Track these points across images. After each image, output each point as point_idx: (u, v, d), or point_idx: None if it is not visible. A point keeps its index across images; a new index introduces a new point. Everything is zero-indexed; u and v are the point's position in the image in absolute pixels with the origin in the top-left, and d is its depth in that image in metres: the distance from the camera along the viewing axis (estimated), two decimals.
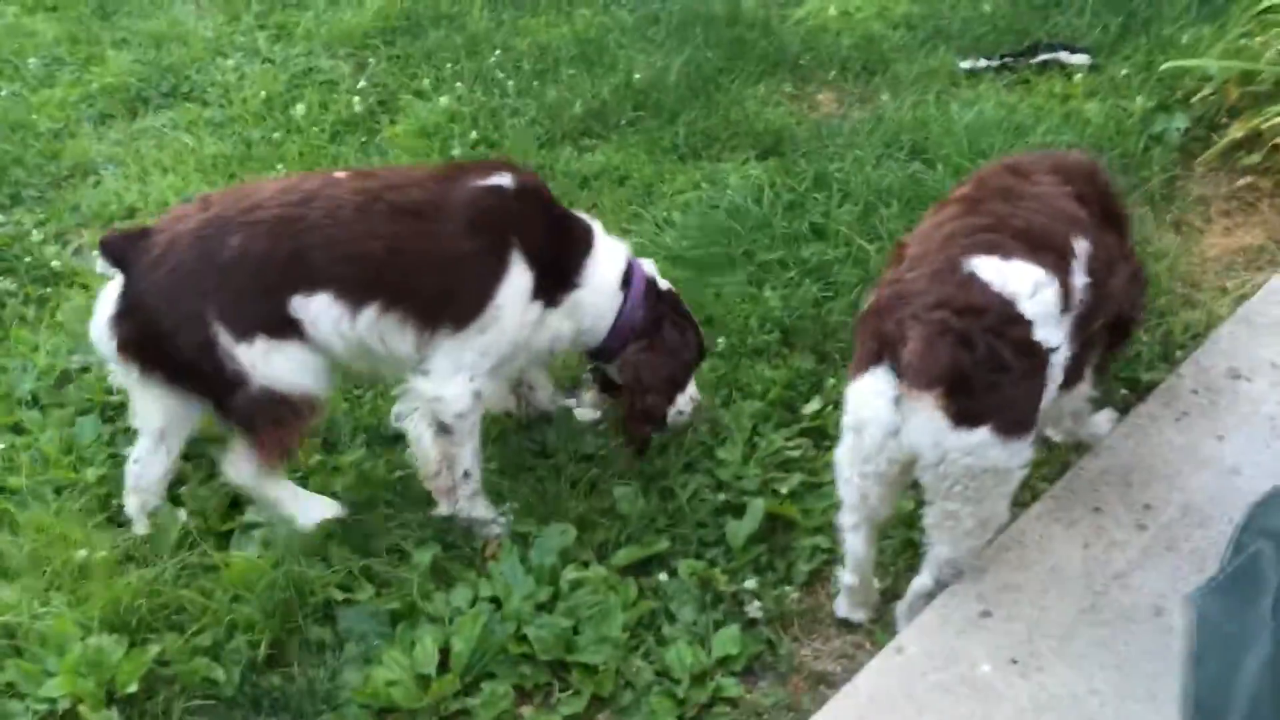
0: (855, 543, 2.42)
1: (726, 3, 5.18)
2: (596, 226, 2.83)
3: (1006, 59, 4.54)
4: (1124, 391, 3.00)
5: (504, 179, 2.68)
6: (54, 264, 3.90)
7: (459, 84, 4.72)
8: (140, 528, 2.86)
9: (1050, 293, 2.15)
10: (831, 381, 3.14)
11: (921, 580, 2.38)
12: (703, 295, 3.38)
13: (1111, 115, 4.06)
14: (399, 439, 3.06)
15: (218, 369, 2.56)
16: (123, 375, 2.68)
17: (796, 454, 2.97)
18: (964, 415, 2.08)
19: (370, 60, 5.04)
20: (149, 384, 2.66)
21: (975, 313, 2.08)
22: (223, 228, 2.55)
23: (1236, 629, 1.06)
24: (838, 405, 3.05)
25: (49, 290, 3.82)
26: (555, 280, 2.71)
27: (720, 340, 3.28)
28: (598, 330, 2.82)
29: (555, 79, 4.74)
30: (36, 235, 4.08)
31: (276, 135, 4.49)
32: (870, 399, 2.19)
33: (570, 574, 2.65)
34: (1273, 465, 2.52)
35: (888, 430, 2.17)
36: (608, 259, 2.80)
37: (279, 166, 4.25)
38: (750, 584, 2.64)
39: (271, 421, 2.62)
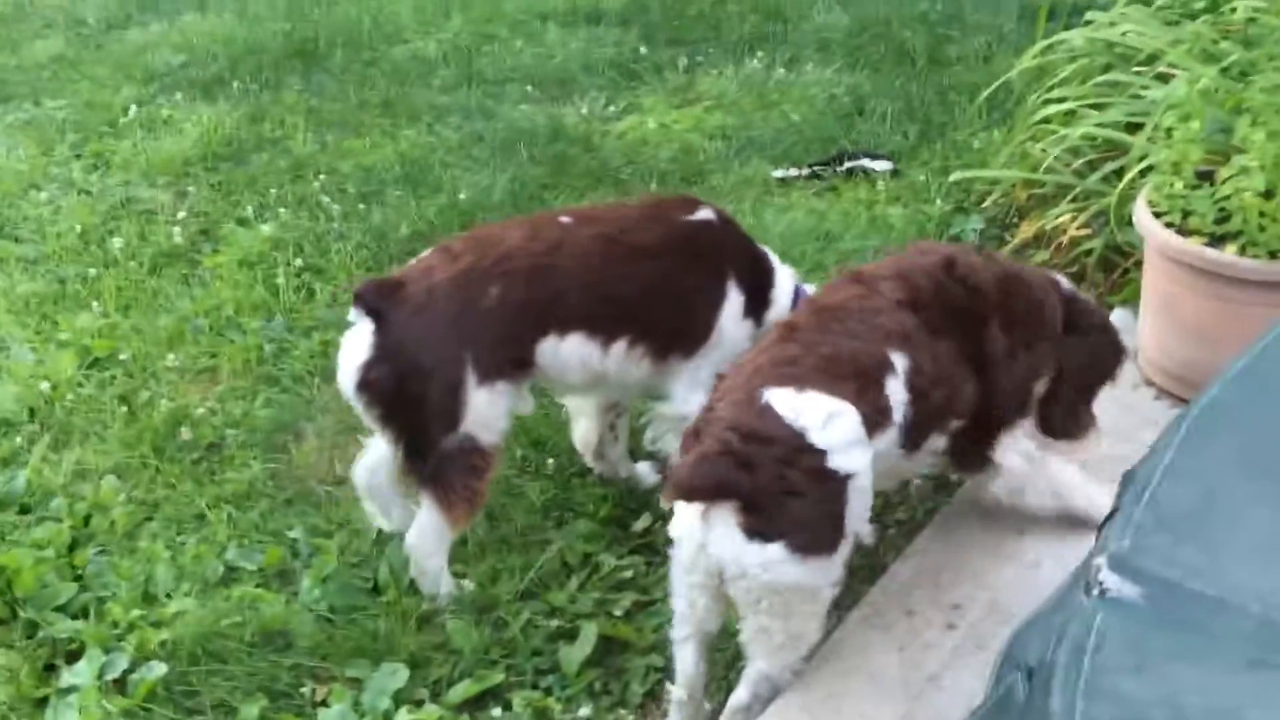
0: (685, 656, 2.47)
1: (549, 119, 5.32)
2: (769, 251, 3.10)
3: (815, 167, 4.76)
4: (934, 489, 3.14)
5: (708, 214, 2.98)
6: None
7: (283, 210, 4.71)
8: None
9: (846, 422, 2.26)
10: (660, 496, 3.20)
11: (738, 695, 2.44)
12: (530, 417, 3.41)
13: (913, 219, 4.30)
14: (224, 582, 3.02)
15: (453, 413, 2.73)
16: (363, 414, 2.83)
17: (629, 574, 3.01)
18: (755, 531, 2.18)
19: (191, 189, 4.99)
20: (380, 426, 2.81)
21: (764, 441, 2.18)
22: (480, 277, 2.74)
23: None
24: (666, 520, 3.15)
25: None
26: (758, 301, 2.99)
27: (549, 461, 3.31)
28: None
29: (381, 201, 4.77)
30: None
31: (93, 270, 4.39)
32: (683, 512, 2.30)
33: (404, 716, 2.61)
34: (1070, 556, 2.65)
35: (698, 542, 2.27)
36: (785, 279, 3.07)
37: (94, 305, 4.15)
38: (585, 711, 2.65)
39: (469, 473, 2.78)
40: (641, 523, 3.15)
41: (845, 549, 2.31)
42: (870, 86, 5.39)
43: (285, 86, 5.92)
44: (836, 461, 2.21)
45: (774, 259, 3.10)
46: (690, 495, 2.24)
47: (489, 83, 5.84)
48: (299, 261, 4.34)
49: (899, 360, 2.44)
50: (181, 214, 4.75)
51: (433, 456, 2.78)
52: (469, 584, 2.96)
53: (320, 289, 4.20)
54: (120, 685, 2.76)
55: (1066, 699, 1.05)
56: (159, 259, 4.47)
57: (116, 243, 4.54)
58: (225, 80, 5.98)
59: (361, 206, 4.73)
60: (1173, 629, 1.12)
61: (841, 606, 2.58)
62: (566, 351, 2.83)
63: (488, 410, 2.78)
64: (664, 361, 2.93)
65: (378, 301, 2.75)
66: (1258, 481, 1.28)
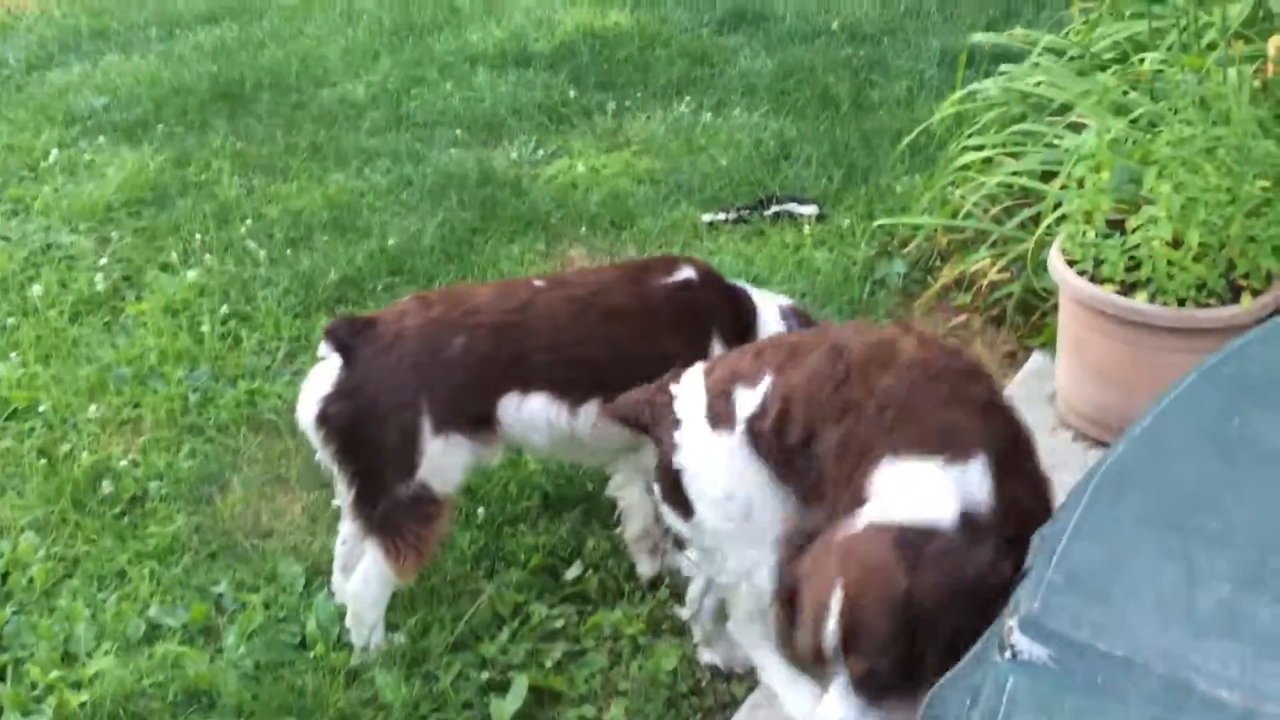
0: None
1: (478, 164, 5.33)
2: (749, 288, 3.15)
3: (743, 211, 4.82)
4: None
5: (688, 273, 3.00)
6: None
7: (208, 255, 4.66)
8: (342, 597, 2.97)
9: None
10: (591, 544, 3.21)
11: None
12: None
13: (838, 263, 4.37)
14: (147, 640, 2.97)
15: (407, 460, 2.74)
16: (319, 449, 2.83)
17: (560, 623, 3.01)
18: None
19: (114, 234, 4.91)
20: (334, 462, 2.78)
21: None
22: (447, 327, 2.78)
23: None
24: (598, 568, 3.16)
25: None
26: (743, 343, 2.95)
27: (480, 510, 3.31)
28: None
29: (309, 247, 4.74)
30: None
31: (11, 320, 4.30)
32: None
33: None
34: None
35: None
36: (768, 312, 3.08)
37: (12, 355, 4.07)
38: None
39: (419, 521, 2.78)
40: (573, 571, 3.15)
41: None
42: (796, 131, 5.48)
43: (211, 130, 5.87)
44: None
45: (754, 294, 3.13)
46: None
47: (418, 126, 5.84)
48: (225, 308, 4.29)
49: None
50: (103, 260, 4.68)
51: (384, 501, 2.77)
52: (399, 637, 2.93)
53: (247, 336, 4.16)
54: None
55: None
56: (80, 306, 4.40)
57: (36, 290, 4.46)
58: (149, 123, 5.92)
59: (289, 252, 4.69)
60: (1081, 691, 1.15)
61: None
62: (530, 411, 2.84)
63: (442, 460, 2.78)
64: None
65: (347, 338, 2.77)
66: (1161, 537, 1.33)
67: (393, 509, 2.77)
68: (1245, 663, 1.17)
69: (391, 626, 2.95)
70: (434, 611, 3.02)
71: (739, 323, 3.03)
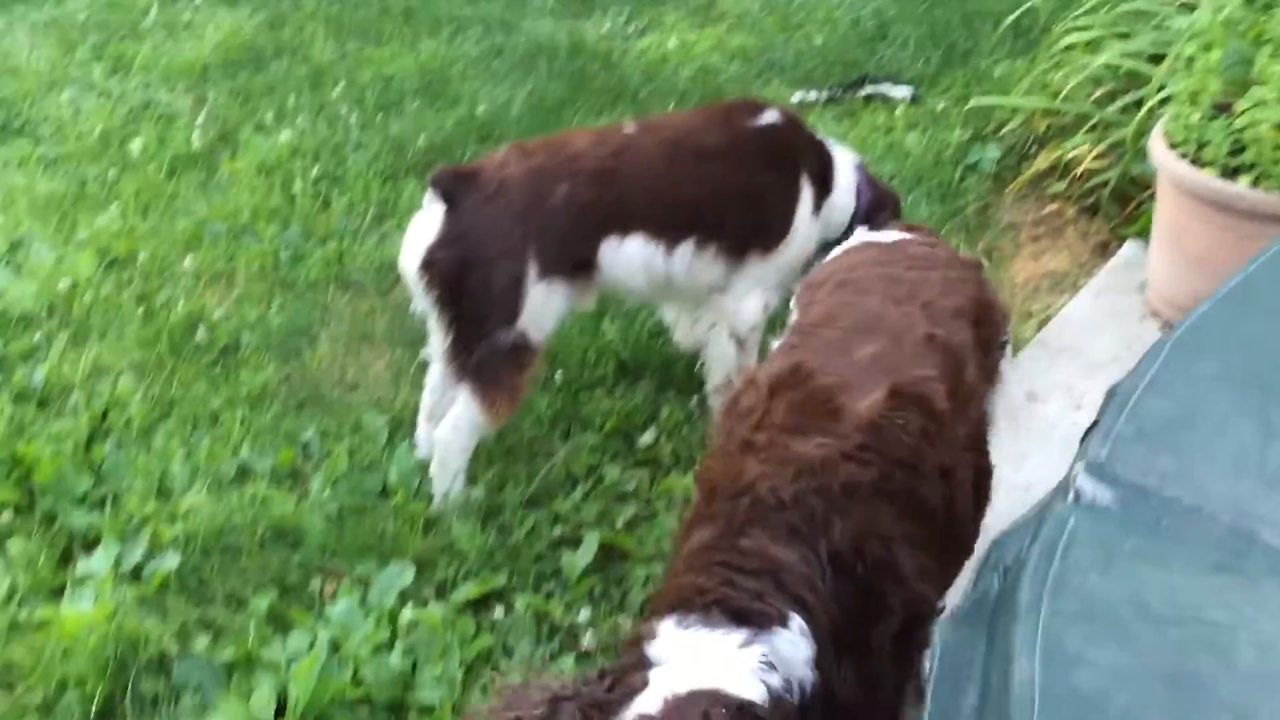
0: None
1: (569, 35, 5.29)
2: (828, 141, 3.17)
3: (835, 91, 4.73)
4: None
5: (773, 116, 3.01)
6: None
7: (301, 117, 4.72)
8: (424, 450, 3.06)
9: None
10: (666, 411, 3.25)
11: None
12: None
13: (930, 146, 4.28)
14: (237, 480, 3.09)
15: (512, 305, 2.77)
16: (420, 296, 2.86)
17: (632, 486, 3.07)
18: None
19: (210, 94, 4.99)
20: (435, 308, 2.85)
21: None
22: (549, 175, 2.80)
23: (966, 660, 1.18)
24: (670, 436, 3.21)
25: None
26: (823, 193, 3.06)
27: (558, 375, 3.36)
28: (842, 225, 3.12)
29: (399, 112, 4.77)
30: None
31: (112, 172, 4.42)
32: None
33: (409, 613, 2.68)
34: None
35: None
36: (844, 164, 3.13)
37: (113, 206, 4.19)
38: (585, 615, 2.72)
39: (514, 368, 2.83)
40: (647, 437, 3.19)
41: None
42: (895, 11, 5.34)
43: None
44: None
45: (834, 148, 3.16)
46: None
47: None
48: (316, 170, 4.35)
49: None
50: (200, 119, 4.76)
51: (482, 347, 2.82)
52: (477, 490, 3.02)
53: (337, 198, 4.22)
54: (135, 575, 2.83)
55: (1034, 593, 1.09)
56: (177, 163, 4.50)
57: (136, 145, 4.57)
58: None
59: (379, 117, 4.73)
60: (1143, 533, 1.15)
61: None
62: (628, 253, 2.88)
63: (543, 307, 2.83)
64: (740, 260, 2.99)
65: (452, 187, 2.80)
66: (1239, 394, 1.31)
67: (490, 355, 2.81)
68: None
69: (470, 480, 3.03)
70: (510, 469, 3.10)
71: (823, 167, 3.06)
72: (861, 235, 2.61)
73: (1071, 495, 1.21)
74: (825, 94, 4.72)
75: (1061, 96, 3.99)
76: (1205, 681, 1.01)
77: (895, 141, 4.36)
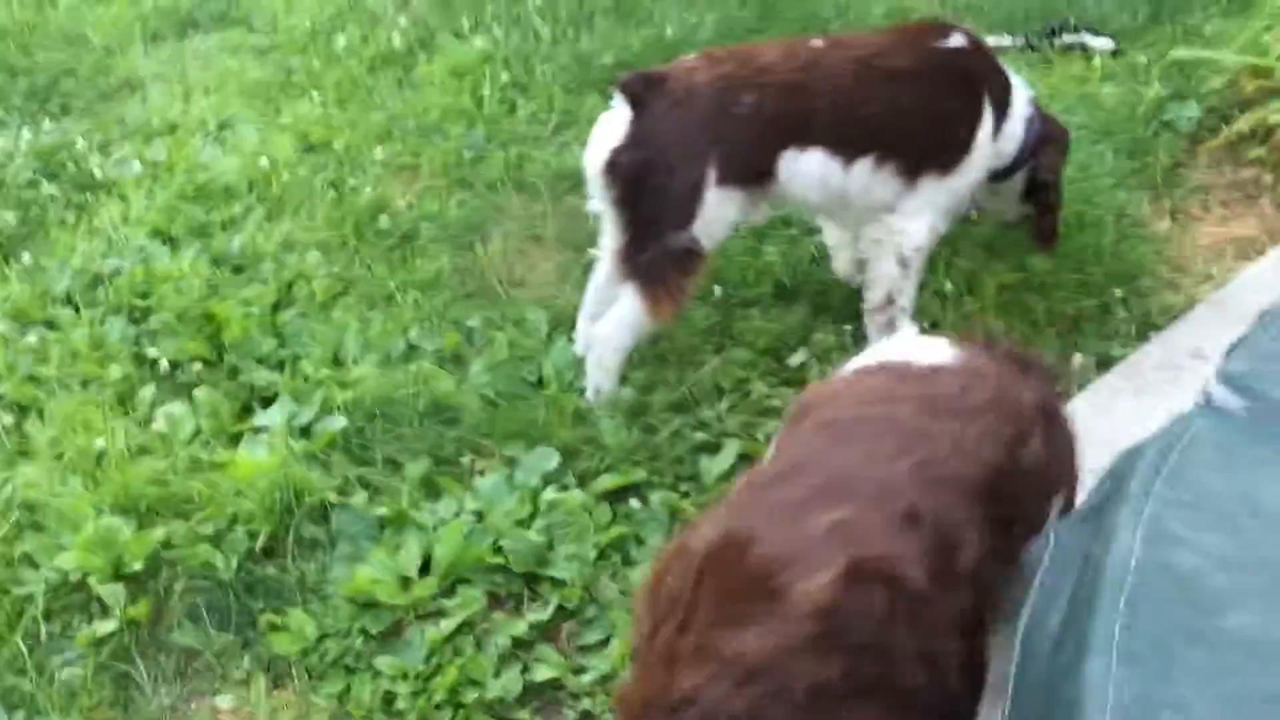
0: None
1: None
2: (1008, 69, 3.16)
3: (1031, 38, 4.60)
4: (1096, 365, 3.13)
5: (961, 40, 3.02)
6: (96, 173, 4.11)
7: (496, 27, 4.86)
8: (581, 347, 3.17)
9: None
10: (819, 336, 3.28)
11: None
12: None
13: (1125, 100, 4.13)
14: (404, 357, 3.27)
15: (688, 209, 2.86)
16: (600, 194, 2.95)
17: (777, 403, 3.11)
18: None
19: None
20: (614, 208, 2.95)
21: None
22: (737, 84, 2.86)
23: (1075, 551, 1.20)
24: (821, 359, 3.24)
25: (89, 197, 4.02)
26: (1001, 119, 3.07)
27: (716, 289, 3.42)
28: (1011, 154, 3.15)
29: (590, 28, 4.86)
30: (82, 144, 4.28)
31: (316, 64, 4.66)
32: None
33: (550, 495, 2.82)
34: None
35: None
36: (1019, 92, 3.14)
37: (315, 95, 4.42)
38: None
39: (681, 271, 2.92)
40: (797, 358, 3.23)
41: None
42: None
43: None
44: None
45: (1013, 77, 3.14)
46: None
47: None
48: (505, 76, 4.49)
49: None
50: (402, 21, 4.95)
51: (654, 248, 2.90)
52: (626, 389, 3.12)
53: (522, 105, 4.35)
54: (305, 432, 3.05)
55: (1146, 480, 1.10)
56: (377, 60, 4.70)
57: (341, 41, 4.80)
58: None
59: (570, 31, 4.82)
60: (1267, 442, 1.15)
61: None
62: (807, 166, 2.91)
63: (718, 213, 2.90)
64: (916, 179, 3.00)
65: (641, 91, 2.87)
66: None
67: (661, 256, 2.89)
68: None
69: (621, 379, 3.13)
70: (660, 373, 3.18)
71: (1004, 93, 3.05)
72: (886, 348, 2.15)
73: (1202, 398, 1.21)
74: (1021, 40, 4.59)
75: (1274, 55, 3.80)
76: None
77: (1089, 93, 4.22)
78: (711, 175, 2.86)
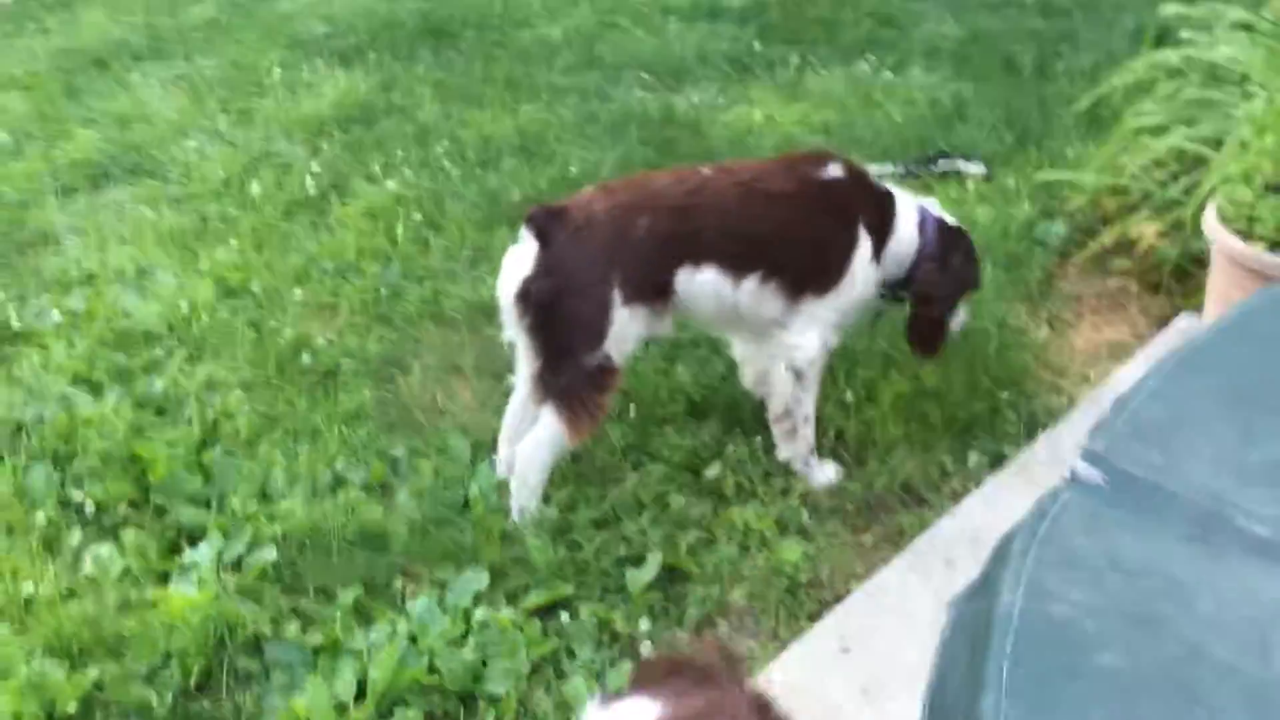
0: None
1: (661, 105, 5.61)
2: (894, 189, 3.38)
3: (911, 166, 4.95)
4: (990, 463, 3.34)
5: (837, 170, 3.24)
6: (14, 323, 4.15)
7: (407, 169, 5.07)
8: (503, 470, 3.31)
9: None
10: (732, 448, 3.45)
11: None
12: None
13: (999, 220, 4.47)
14: (332, 489, 3.35)
15: (599, 329, 3.02)
16: (514, 323, 3.11)
17: (696, 513, 3.26)
18: None
19: (324, 145, 5.38)
20: (528, 335, 3.10)
21: None
22: (632, 209, 3.06)
23: (969, 620, 1.35)
24: (735, 470, 3.40)
25: (8, 348, 4.06)
26: (880, 242, 3.26)
27: (631, 408, 3.58)
28: (902, 271, 3.36)
29: (497, 168, 5.10)
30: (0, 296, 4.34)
31: (232, 211, 4.80)
32: None
33: (481, 614, 2.90)
34: None
35: None
36: (906, 213, 3.34)
37: (232, 241, 4.55)
38: (645, 626, 2.91)
39: (597, 388, 3.08)
40: (712, 470, 3.39)
41: None
42: (973, 94, 5.56)
43: (417, 60, 6.33)
44: None
45: (898, 196, 3.36)
46: None
47: (608, 68, 6.15)
48: (418, 216, 4.68)
49: None
50: (315, 167, 5.14)
51: (569, 370, 3.06)
52: (550, 509, 3.24)
53: (434, 241, 4.54)
54: (236, 566, 3.09)
55: (1024, 544, 1.27)
56: (292, 206, 4.86)
57: (255, 188, 4.95)
58: (363, 50, 6.41)
59: (479, 171, 5.06)
60: (1126, 508, 1.33)
61: (888, 552, 2.81)
62: (700, 282, 3.10)
63: (626, 330, 3.07)
64: (797, 299, 3.20)
65: (545, 223, 3.06)
66: (1227, 406, 1.48)
67: (576, 376, 3.05)
68: None
69: (544, 498, 3.26)
70: (582, 491, 3.31)
71: (884, 218, 3.28)
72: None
73: (1068, 475, 1.39)
74: (901, 168, 4.94)
75: (1127, 176, 4.17)
76: (1165, 621, 1.17)
77: (966, 214, 4.54)
78: (617, 295, 3.05)
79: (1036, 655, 1.11)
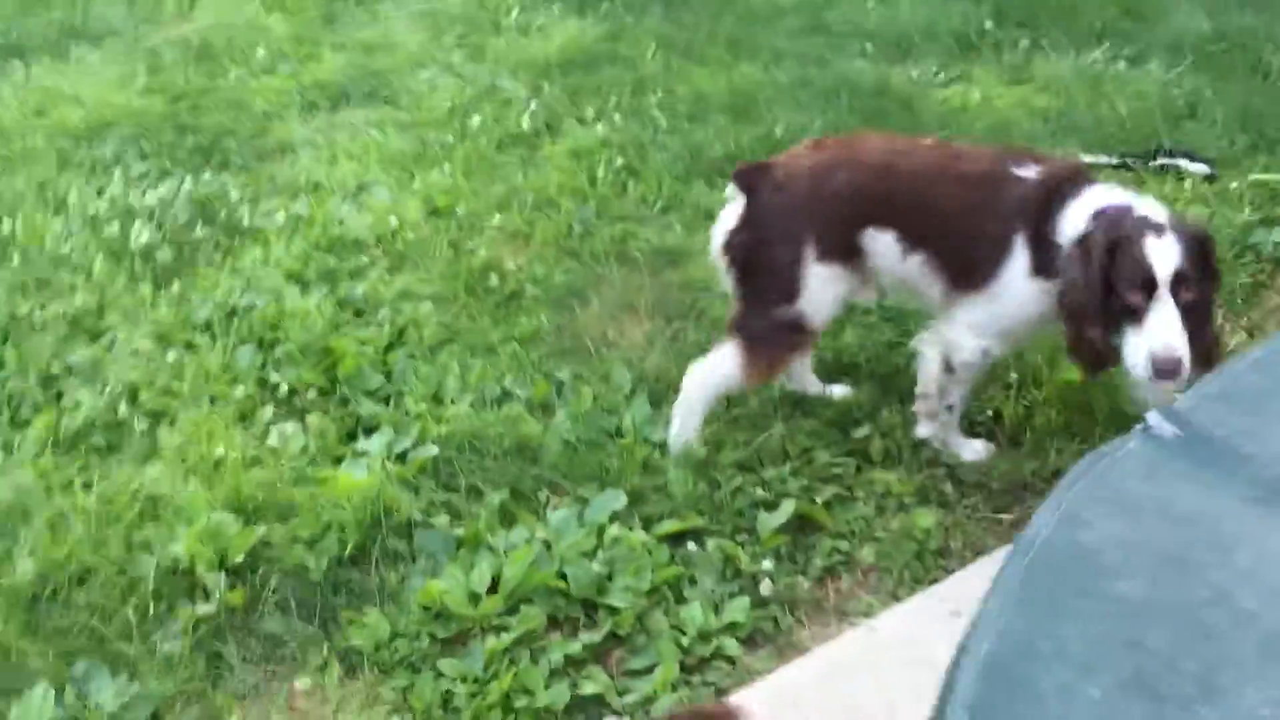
0: None
1: (876, 76, 5.57)
2: (1115, 199, 2.98)
3: (1127, 158, 4.76)
4: None
5: (1033, 170, 3.01)
6: (245, 221, 4.55)
7: (617, 116, 5.23)
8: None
9: None
10: (885, 413, 3.46)
11: None
12: None
13: (1212, 223, 4.26)
14: (497, 401, 3.55)
15: (792, 284, 3.11)
16: (721, 275, 3.27)
17: (838, 470, 3.30)
18: None
19: (546, 86, 5.61)
20: (732, 286, 3.23)
21: None
22: (832, 166, 3.12)
23: None
24: (885, 435, 3.41)
25: (236, 241, 4.45)
26: (1050, 259, 2.95)
27: None
28: None
29: (704, 123, 5.20)
30: (235, 196, 4.75)
31: (450, 140, 5.08)
32: None
33: (614, 532, 3.03)
34: None
35: None
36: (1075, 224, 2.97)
37: (445, 166, 4.83)
38: (768, 565, 2.99)
39: (784, 343, 3.18)
40: (862, 431, 3.41)
41: None
42: (1211, 92, 5.28)
43: (648, 13, 6.48)
44: None
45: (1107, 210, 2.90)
46: None
47: (832, 35, 6.14)
48: (620, 160, 4.83)
49: None
50: (533, 106, 5.37)
51: (760, 319, 3.16)
52: (699, 446, 3.33)
53: (631, 187, 4.68)
54: (400, 458, 3.33)
55: (1070, 480, 1.28)
56: (505, 140, 5.11)
57: (475, 120, 5.22)
58: (598, 1, 6.61)
59: (686, 125, 5.17)
60: (1192, 461, 1.31)
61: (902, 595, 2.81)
62: (882, 244, 3.11)
63: (821, 290, 3.13)
64: (951, 291, 3.11)
65: (750, 180, 3.17)
66: None
67: (766, 326, 3.15)
68: None
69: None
70: (731, 433, 3.40)
71: (1051, 232, 2.94)
72: None
73: (1140, 427, 1.39)
74: (1116, 159, 4.76)
75: None
76: (1197, 565, 1.16)
77: (1177, 214, 4.36)
78: (810, 252, 3.10)
79: (1051, 573, 1.13)
